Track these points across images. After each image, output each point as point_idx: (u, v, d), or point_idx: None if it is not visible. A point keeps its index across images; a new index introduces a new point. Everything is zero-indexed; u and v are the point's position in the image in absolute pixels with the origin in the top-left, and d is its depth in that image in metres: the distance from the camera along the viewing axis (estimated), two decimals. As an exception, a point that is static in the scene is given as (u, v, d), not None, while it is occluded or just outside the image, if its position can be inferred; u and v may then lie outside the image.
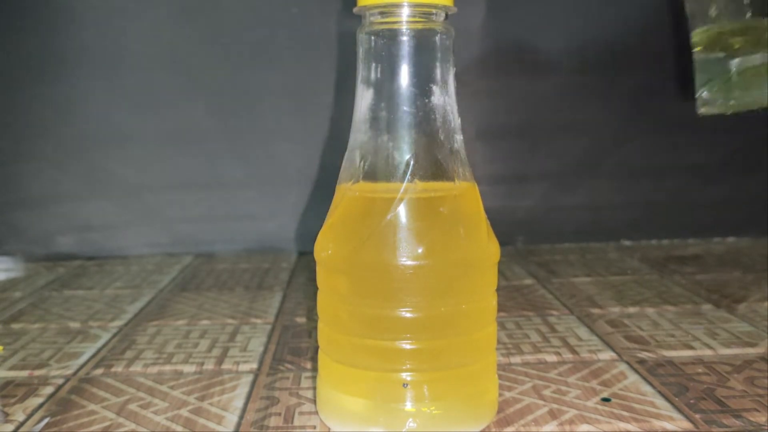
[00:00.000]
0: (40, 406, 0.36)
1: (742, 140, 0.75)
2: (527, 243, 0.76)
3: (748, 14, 0.43)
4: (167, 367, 0.42)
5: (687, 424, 0.33)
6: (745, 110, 0.45)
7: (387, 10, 0.31)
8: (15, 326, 0.51)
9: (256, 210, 0.74)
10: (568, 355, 0.42)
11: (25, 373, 0.41)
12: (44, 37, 0.68)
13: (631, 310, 0.52)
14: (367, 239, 0.31)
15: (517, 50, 0.71)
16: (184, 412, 0.35)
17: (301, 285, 0.61)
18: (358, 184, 0.32)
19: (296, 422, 0.34)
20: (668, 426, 0.33)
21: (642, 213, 0.77)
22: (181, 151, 0.72)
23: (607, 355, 0.42)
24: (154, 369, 0.41)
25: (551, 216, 0.76)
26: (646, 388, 0.37)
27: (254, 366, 0.42)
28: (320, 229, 0.34)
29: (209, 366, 0.42)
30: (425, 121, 0.31)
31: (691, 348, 0.43)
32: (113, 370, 0.41)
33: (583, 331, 0.47)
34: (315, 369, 0.40)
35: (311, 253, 0.35)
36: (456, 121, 0.32)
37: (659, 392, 0.37)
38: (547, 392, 0.37)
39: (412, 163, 0.31)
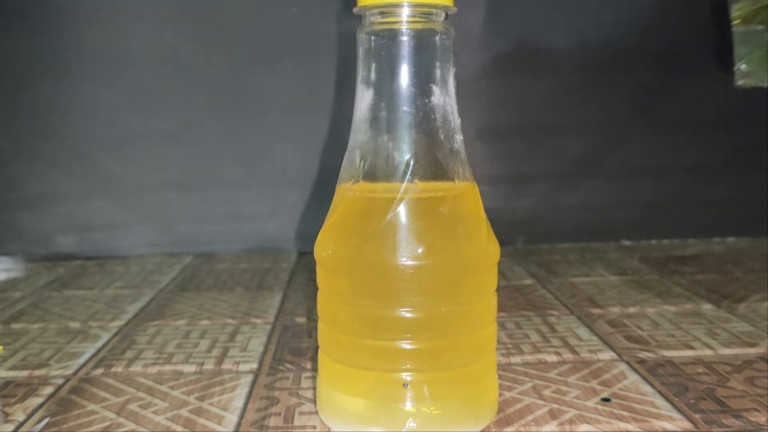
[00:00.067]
0: (40, 406, 0.36)
1: (742, 140, 0.75)
2: (527, 243, 0.76)
3: None
4: (167, 367, 0.42)
5: (687, 424, 0.33)
6: None
7: (387, 10, 0.31)
8: (15, 326, 0.51)
9: (256, 210, 0.74)
10: (568, 355, 0.42)
11: (25, 373, 0.41)
12: (44, 38, 0.68)
13: (631, 310, 0.52)
14: (367, 239, 0.31)
15: (517, 50, 0.71)
16: (184, 412, 0.35)
17: (301, 285, 0.61)
18: (358, 184, 0.32)
19: (296, 422, 0.34)
20: (668, 426, 0.33)
21: (642, 213, 0.77)
22: (181, 151, 0.72)
23: (607, 355, 0.42)
24: (154, 369, 0.41)
25: (551, 216, 0.76)
26: (646, 388, 0.37)
27: (254, 366, 0.42)
28: (320, 229, 0.34)
29: (209, 366, 0.42)
30: (425, 121, 0.31)
31: (691, 348, 0.43)
32: (113, 370, 0.41)
33: (583, 331, 0.47)
34: (315, 369, 0.40)
35: (311, 253, 0.35)
36: (456, 121, 0.32)
37: (659, 392, 0.37)
38: (547, 392, 0.37)
39: (412, 163, 0.31)
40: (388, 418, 0.31)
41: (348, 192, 0.32)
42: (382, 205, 0.31)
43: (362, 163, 0.32)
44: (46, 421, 0.35)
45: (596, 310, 0.52)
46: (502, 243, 0.35)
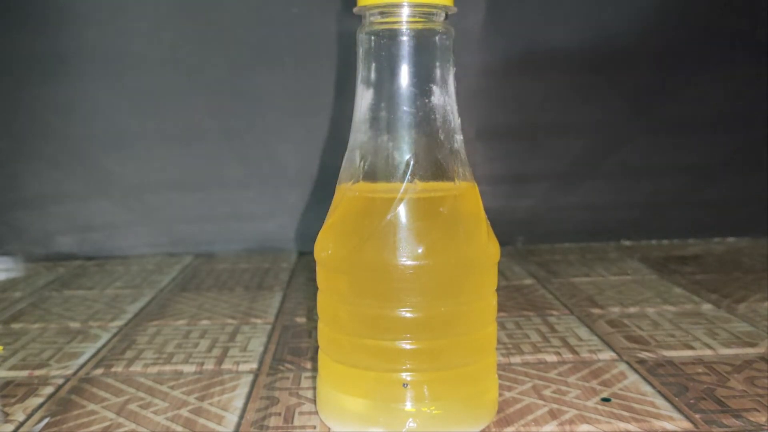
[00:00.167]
0: (40, 406, 0.36)
1: (742, 140, 0.75)
2: (527, 243, 0.76)
3: None
4: (167, 367, 0.42)
5: (687, 424, 0.33)
6: None
7: (387, 10, 0.31)
8: (15, 326, 0.51)
9: (256, 210, 0.74)
10: (568, 355, 0.42)
11: (25, 373, 0.41)
12: (45, 38, 0.68)
13: (631, 310, 0.52)
14: (367, 239, 0.31)
15: (516, 50, 0.71)
16: (184, 412, 0.35)
17: (301, 285, 0.61)
18: (358, 184, 0.32)
19: (296, 422, 0.34)
20: (668, 426, 0.33)
21: (642, 213, 0.77)
22: (181, 151, 0.72)
23: (607, 355, 0.42)
24: (154, 369, 0.41)
25: (551, 216, 0.76)
26: (646, 388, 0.37)
27: (254, 366, 0.42)
28: (320, 229, 0.34)
29: (209, 366, 0.42)
30: (425, 121, 0.31)
31: (691, 348, 0.43)
32: (113, 370, 0.41)
33: (583, 331, 0.47)
34: (315, 369, 0.40)
35: (311, 253, 0.35)
36: (456, 121, 0.32)
37: (659, 392, 0.37)
38: (547, 392, 0.37)
39: (412, 163, 0.31)
40: (388, 418, 0.31)
41: (348, 192, 0.32)
42: (382, 205, 0.31)
43: (362, 163, 0.32)
44: (46, 421, 0.35)
45: (596, 310, 0.52)
46: (502, 243, 0.35)
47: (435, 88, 0.31)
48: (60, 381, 0.40)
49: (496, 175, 0.74)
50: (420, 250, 0.30)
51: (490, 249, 0.33)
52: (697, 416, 0.34)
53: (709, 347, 0.43)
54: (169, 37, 0.70)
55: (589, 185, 0.75)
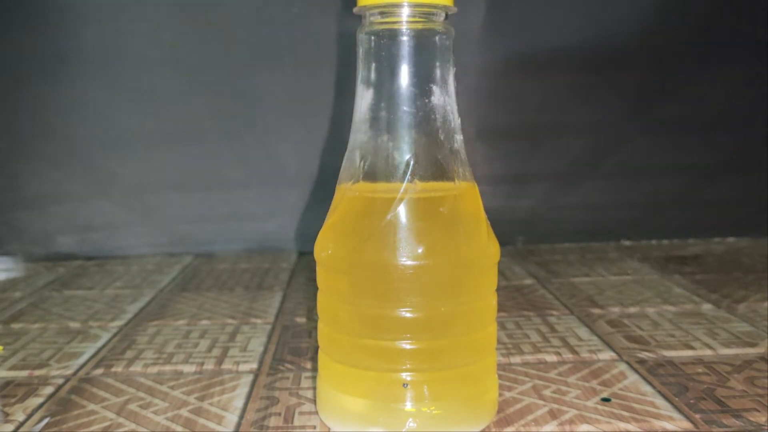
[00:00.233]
0: (40, 406, 0.36)
1: (742, 140, 0.75)
2: (527, 243, 0.76)
3: None
4: (167, 367, 0.42)
5: (687, 424, 0.33)
6: None
7: (387, 10, 0.31)
8: (15, 326, 0.51)
9: (256, 210, 0.74)
10: (568, 355, 0.42)
11: (25, 373, 0.41)
12: (45, 37, 0.68)
13: (631, 310, 0.52)
14: (367, 239, 0.31)
15: (516, 50, 0.71)
16: (184, 412, 0.35)
17: (301, 285, 0.61)
18: (358, 184, 0.32)
19: (296, 422, 0.34)
20: (668, 426, 0.33)
21: (642, 213, 0.77)
22: (181, 151, 0.72)
23: (607, 355, 0.42)
24: (154, 369, 0.41)
25: (551, 216, 0.76)
26: (646, 388, 0.37)
27: (254, 366, 0.42)
28: (320, 229, 0.34)
29: (209, 366, 0.42)
30: (425, 121, 0.31)
31: (691, 348, 0.43)
32: (113, 370, 0.41)
33: (583, 331, 0.47)
34: (315, 369, 0.40)
35: (311, 253, 0.35)
36: (456, 121, 0.32)
37: (659, 392, 0.37)
38: (547, 392, 0.37)
39: (412, 163, 0.31)
40: (388, 418, 0.31)
41: (348, 192, 0.32)
42: (382, 205, 0.31)
43: (362, 163, 0.32)
44: (46, 421, 0.35)
45: (596, 310, 0.52)
46: (502, 243, 0.35)
47: (435, 88, 0.31)
48: (60, 381, 0.40)
49: (496, 175, 0.74)
50: (420, 250, 0.30)
51: (490, 249, 0.33)
52: (697, 416, 0.34)
53: (709, 347, 0.43)
54: (169, 37, 0.70)
55: (589, 185, 0.75)
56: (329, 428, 0.33)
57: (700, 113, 0.74)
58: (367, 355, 0.31)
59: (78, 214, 0.72)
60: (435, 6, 0.31)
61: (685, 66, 0.73)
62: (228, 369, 0.41)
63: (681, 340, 0.45)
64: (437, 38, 0.31)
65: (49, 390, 0.39)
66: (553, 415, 0.34)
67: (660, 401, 0.35)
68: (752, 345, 0.43)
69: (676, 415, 0.34)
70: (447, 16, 0.32)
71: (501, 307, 0.52)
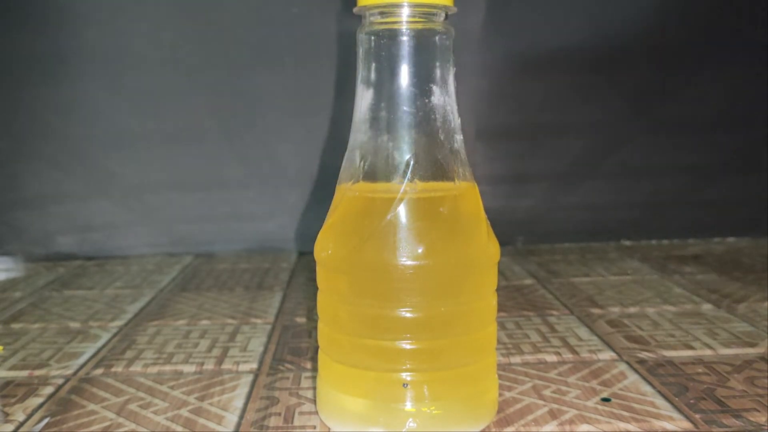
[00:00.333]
0: (40, 406, 0.36)
1: (742, 140, 0.75)
2: (527, 243, 0.76)
3: None
4: (167, 367, 0.42)
5: (687, 424, 0.33)
6: None
7: (387, 10, 0.31)
8: (15, 326, 0.51)
9: (256, 210, 0.74)
10: (568, 355, 0.42)
11: (25, 373, 0.41)
12: (45, 37, 0.68)
13: (631, 310, 0.52)
14: (367, 239, 0.31)
15: (516, 50, 0.71)
16: (184, 412, 0.35)
17: (301, 285, 0.61)
18: (358, 184, 0.32)
19: (296, 422, 0.34)
20: (668, 426, 0.33)
21: (642, 213, 0.77)
22: (181, 151, 0.72)
23: (607, 355, 0.42)
24: (154, 369, 0.41)
25: (551, 216, 0.76)
26: (646, 388, 0.37)
27: (254, 366, 0.42)
28: (320, 229, 0.34)
29: (209, 366, 0.42)
30: (425, 121, 0.31)
31: (691, 348, 0.43)
32: (113, 370, 0.41)
33: (583, 331, 0.47)
34: (315, 369, 0.40)
35: (311, 253, 0.35)
36: (456, 121, 0.32)
37: (659, 392, 0.37)
38: (547, 392, 0.37)
39: (412, 163, 0.31)
40: (388, 418, 0.31)
41: (348, 192, 0.32)
42: (382, 205, 0.31)
43: (362, 163, 0.32)
44: (46, 421, 0.35)
45: (596, 310, 0.52)
46: (502, 243, 0.35)
47: (435, 88, 0.31)
48: (60, 381, 0.40)
49: (496, 175, 0.74)
50: (420, 250, 0.30)
51: (490, 249, 0.33)
52: (697, 416, 0.34)
53: (709, 347, 0.43)
54: (169, 37, 0.70)
55: (589, 185, 0.75)
56: (329, 428, 0.33)
57: (700, 113, 0.74)
58: (367, 355, 0.31)
59: (78, 214, 0.72)
60: (435, 6, 0.31)
61: (685, 66, 0.73)
62: (228, 369, 0.41)
63: (681, 340, 0.45)
64: (437, 38, 0.31)
65: (49, 390, 0.39)
66: (553, 415, 0.34)
67: (660, 401, 0.35)
68: (752, 345, 0.43)
69: (676, 415, 0.34)
70: (447, 16, 0.32)
71: (501, 307, 0.52)
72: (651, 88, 0.73)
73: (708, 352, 0.42)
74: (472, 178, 0.33)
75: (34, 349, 0.46)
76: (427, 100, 0.31)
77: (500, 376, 0.38)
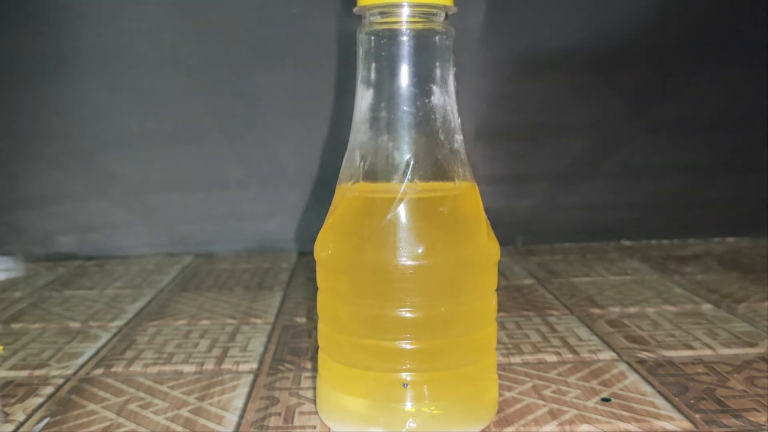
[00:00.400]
0: (40, 406, 0.36)
1: (742, 140, 0.75)
2: (527, 243, 0.76)
3: None
4: (167, 367, 0.42)
5: (687, 424, 0.33)
6: None
7: (387, 10, 0.31)
8: (15, 326, 0.51)
9: (256, 210, 0.74)
10: (568, 355, 0.42)
11: (25, 373, 0.41)
12: (45, 37, 0.68)
13: (631, 310, 0.52)
14: (367, 239, 0.31)
15: (516, 50, 0.71)
16: (184, 412, 0.35)
17: (301, 285, 0.61)
18: (358, 184, 0.32)
19: (296, 422, 0.34)
20: (668, 426, 0.33)
21: (642, 213, 0.77)
22: (181, 151, 0.72)
23: (607, 355, 0.42)
24: (154, 369, 0.41)
25: (551, 216, 0.76)
26: (646, 388, 0.37)
27: (254, 366, 0.42)
28: (320, 229, 0.34)
29: (209, 366, 0.42)
30: (425, 121, 0.31)
31: (691, 348, 0.43)
32: (113, 370, 0.41)
33: (583, 331, 0.47)
34: (315, 369, 0.40)
35: (311, 253, 0.35)
36: (456, 121, 0.32)
37: (659, 392, 0.37)
38: (547, 392, 0.37)
39: (412, 163, 0.31)
40: (388, 418, 0.31)
41: (348, 192, 0.32)
42: (382, 205, 0.31)
43: (362, 163, 0.32)
44: (46, 421, 0.35)
45: (596, 310, 0.52)
46: (502, 243, 0.35)
47: (435, 88, 0.31)
48: (60, 381, 0.40)
49: (496, 175, 0.74)
50: (420, 250, 0.30)
51: (490, 249, 0.33)
52: (697, 416, 0.34)
53: (709, 347, 0.43)
54: (169, 37, 0.70)
55: (589, 185, 0.75)
56: (329, 428, 0.33)
57: (700, 113, 0.74)
58: (367, 355, 0.31)
59: (78, 214, 0.72)
60: (435, 6, 0.31)
61: (685, 66, 0.73)
62: (228, 369, 0.41)
63: (681, 340, 0.45)
64: (437, 38, 0.31)
65: (49, 390, 0.39)
66: (553, 415, 0.34)
67: (660, 401, 0.35)
68: (752, 345, 0.43)
69: (676, 415, 0.34)
70: (447, 16, 0.32)
71: (501, 307, 0.52)
72: (651, 88, 0.73)
73: (708, 352, 0.42)
74: (472, 178, 0.33)
75: (34, 349, 0.46)
76: (427, 100, 0.31)
77: (500, 376, 0.38)
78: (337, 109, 0.70)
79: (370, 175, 0.32)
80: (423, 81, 0.31)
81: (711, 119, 0.74)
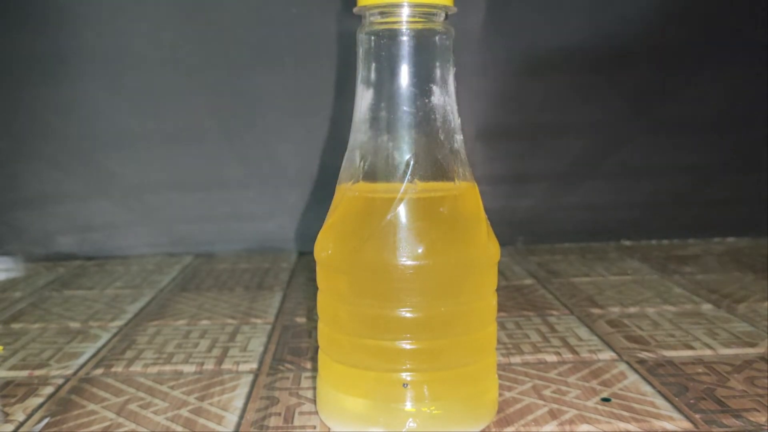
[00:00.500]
0: (40, 406, 0.36)
1: (742, 140, 0.75)
2: (527, 243, 0.76)
3: None
4: (167, 367, 0.42)
5: (687, 424, 0.33)
6: None
7: (387, 10, 0.31)
8: (15, 326, 0.51)
9: (256, 210, 0.74)
10: (568, 355, 0.42)
11: (25, 373, 0.41)
12: (45, 37, 0.68)
13: (631, 310, 0.52)
14: (367, 239, 0.31)
15: (516, 50, 0.71)
16: (184, 412, 0.35)
17: (301, 285, 0.61)
18: (358, 184, 0.32)
19: (296, 422, 0.34)
20: (668, 426, 0.33)
21: (642, 213, 0.77)
22: (181, 151, 0.72)
23: (607, 355, 0.42)
24: (154, 369, 0.41)
25: (551, 216, 0.76)
26: (646, 388, 0.37)
27: (254, 366, 0.42)
28: (320, 229, 0.34)
29: (209, 366, 0.42)
30: (425, 121, 0.31)
31: (691, 348, 0.43)
32: (113, 370, 0.41)
33: (583, 331, 0.47)
34: (315, 369, 0.40)
35: (311, 253, 0.35)
36: (456, 121, 0.32)
37: (659, 392, 0.37)
38: (547, 392, 0.37)
39: (412, 163, 0.31)
40: (388, 418, 0.31)
41: (348, 192, 0.32)
42: (382, 205, 0.31)
43: (362, 163, 0.32)
44: (46, 421, 0.35)
45: (596, 310, 0.52)
46: (502, 243, 0.35)
47: (435, 88, 0.31)
48: (60, 381, 0.40)
49: (496, 175, 0.74)
50: (420, 250, 0.30)
51: (490, 249, 0.33)
52: (697, 416, 0.34)
53: (709, 347, 0.43)
54: (169, 37, 0.70)
55: (589, 185, 0.75)
56: (329, 428, 0.33)
57: (700, 113, 0.74)
58: (367, 355, 0.31)
59: (78, 214, 0.72)
60: (435, 6, 0.31)
61: (685, 66, 0.73)
62: (228, 369, 0.41)
63: (681, 340, 0.45)
64: (437, 38, 0.31)
65: (49, 390, 0.39)
66: (553, 415, 0.34)
67: (660, 401, 0.35)
68: (752, 345, 0.43)
69: (676, 415, 0.34)
70: (447, 16, 0.32)
71: (501, 307, 0.52)
72: (651, 88, 0.73)
73: (708, 352, 0.42)
74: (472, 178, 0.33)
75: (34, 349, 0.46)
76: (427, 100, 0.31)
77: (500, 376, 0.38)
78: (337, 109, 0.70)
79: (370, 175, 0.32)
80: (423, 81, 0.31)
81: (711, 119, 0.74)
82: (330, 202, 0.33)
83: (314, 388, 0.38)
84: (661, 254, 0.70)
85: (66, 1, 0.69)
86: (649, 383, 0.38)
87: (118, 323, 0.51)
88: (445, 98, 0.32)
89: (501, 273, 0.62)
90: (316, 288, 0.34)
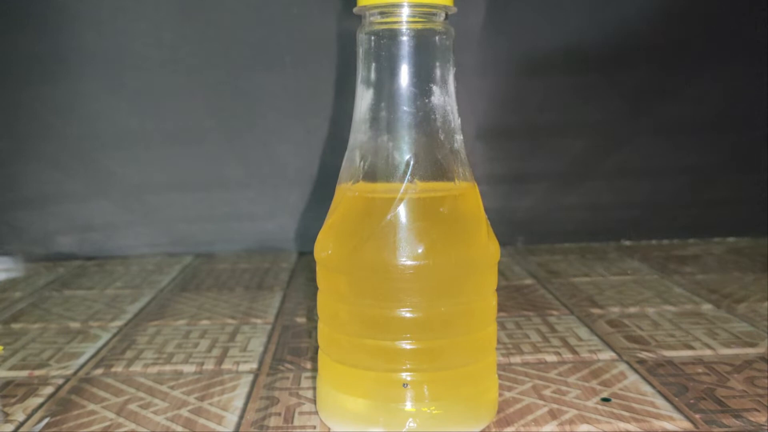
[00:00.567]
0: (40, 406, 0.36)
1: (742, 140, 0.75)
2: (527, 243, 0.76)
3: None
4: (167, 367, 0.42)
5: (687, 424, 0.33)
6: None
7: (387, 10, 0.31)
8: (15, 326, 0.51)
9: (256, 210, 0.74)
10: (568, 355, 0.42)
11: (25, 373, 0.41)
12: (45, 37, 0.68)
13: (631, 310, 0.52)
14: (367, 239, 0.31)
15: (517, 50, 0.71)
16: (184, 412, 0.35)
17: (301, 285, 0.61)
18: (358, 184, 0.32)
19: (296, 422, 0.34)
20: (668, 426, 0.33)
21: (642, 213, 0.77)
22: (181, 151, 0.72)
23: (607, 355, 0.42)
24: (154, 369, 0.41)
25: (551, 216, 0.76)
26: (646, 388, 0.37)
27: (254, 366, 0.42)
28: (320, 229, 0.34)
29: (209, 366, 0.42)
30: (425, 121, 0.31)
31: (691, 348, 0.43)
32: (113, 370, 0.41)
33: (583, 331, 0.47)
34: (315, 369, 0.40)
35: (311, 253, 0.35)
36: (456, 121, 0.32)
37: (659, 392, 0.37)
38: (547, 392, 0.37)
39: (412, 163, 0.31)
40: (388, 418, 0.31)
41: (348, 192, 0.32)
42: (382, 205, 0.31)
43: (362, 163, 0.32)
44: (46, 421, 0.35)
45: (596, 310, 0.52)
46: (502, 243, 0.35)
47: (435, 88, 0.31)
48: (60, 381, 0.40)
49: (496, 175, 0.74)
50: (420, 250, 0.30)
51: (490, 249, 0.33)
52: (697, 416, 0.34)
53: (709, 347, 0.43)
54: (169, 37, 0.70)
55: (589, 185, 0.75)
56: (329, 428, 0.33)
57: (700, 113, 0.74)
58: (367, 355, 0.31)
59: (78, 214, 0.72)
60: (435, 6, 0.31)
61: (685, 66, 0.73)
62: (228, 369, 0.41)
63: (681, 340, 0.45)
64: (437, 38, 0.31)
65: (49, 390, 0.39)
66: (553, 415, 0.34)
67: (660, 401, 0.35)
68: (752, 345, 0.43)
69: (676, 415, 0.34)
70: (447, 16, 0.32)
71: (501, 307, 0.52)
72: (651, 88, 0.73)
73: (708, 352, 0.42)
74: (472, 178, 0.33)
75: (34, 349, 0.46)
76: (427, 100, 0.31)
77: (500, 376, 0.38)
78: (337, 109, 0.70)
79: (370, 175, 0.32)
80: (423, 81, 0.31)
81: (711, 119, 0.74)
82: (330, 202, 0.33)
83: (314, 388, 0.38)
84: (661, 254, 0.70)
85: (66, 1, 0.69)
86: (649, 383, 0.38)
87: (118, 323, 0.51)
88: (445, 98, 0.32)
89: (501, 273, 0.62)
90: (316, 288, 0.34)
